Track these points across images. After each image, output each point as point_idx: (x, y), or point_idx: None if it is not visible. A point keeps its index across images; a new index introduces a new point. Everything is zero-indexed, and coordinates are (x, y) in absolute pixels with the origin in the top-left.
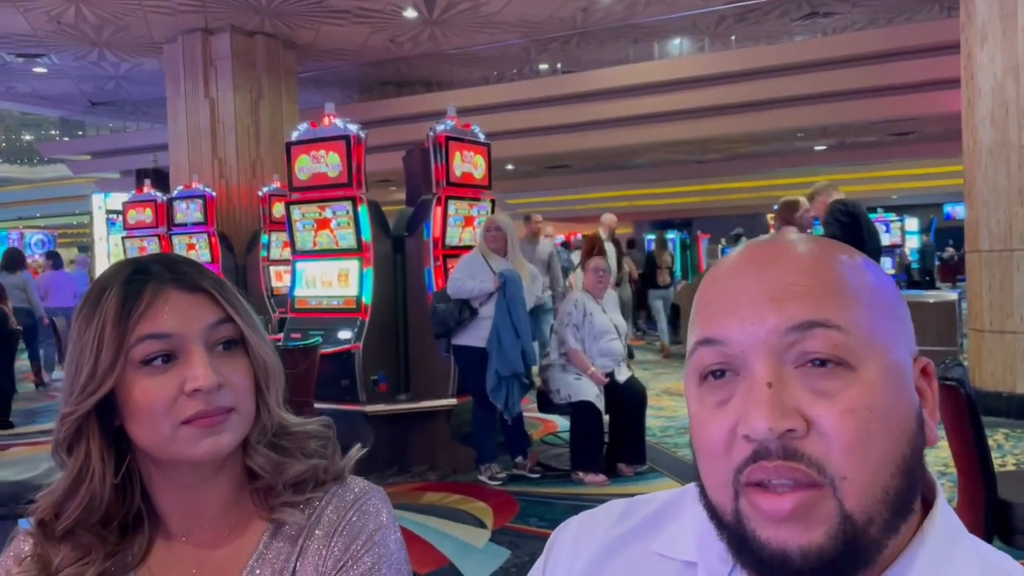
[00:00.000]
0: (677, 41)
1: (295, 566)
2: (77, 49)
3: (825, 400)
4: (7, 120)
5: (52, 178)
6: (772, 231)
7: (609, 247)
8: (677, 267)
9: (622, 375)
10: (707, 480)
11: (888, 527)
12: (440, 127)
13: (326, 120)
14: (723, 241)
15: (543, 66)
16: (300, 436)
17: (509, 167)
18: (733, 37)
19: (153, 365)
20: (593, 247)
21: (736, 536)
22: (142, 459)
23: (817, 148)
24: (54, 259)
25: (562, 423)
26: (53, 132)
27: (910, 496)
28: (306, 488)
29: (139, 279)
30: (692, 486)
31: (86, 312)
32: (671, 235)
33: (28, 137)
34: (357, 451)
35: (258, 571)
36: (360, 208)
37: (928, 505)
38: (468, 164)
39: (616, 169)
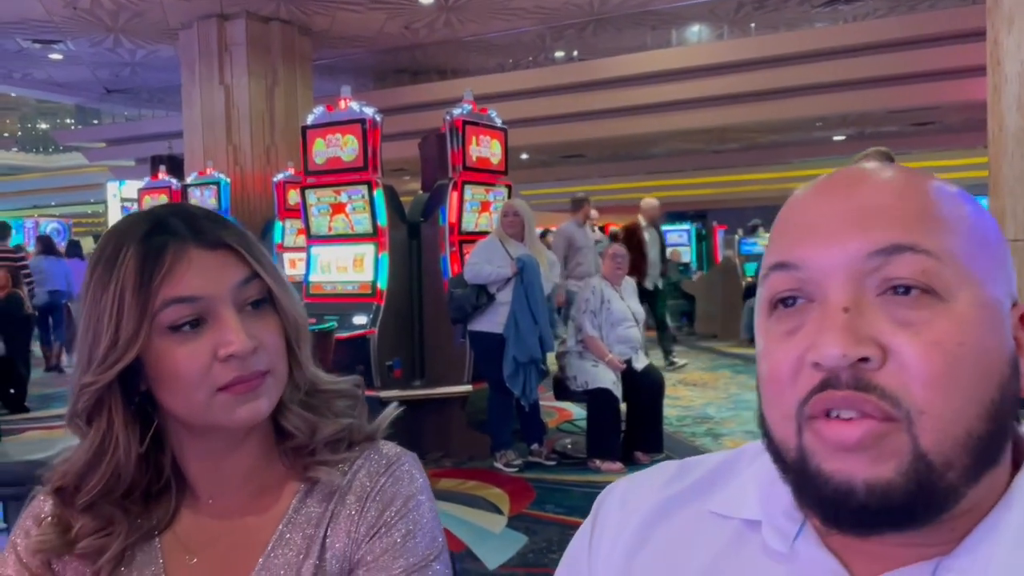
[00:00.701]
0: (695, 28)
1: (326, 531)
2: (93, 35)
3: (908, 330)
4: (23, 108)
5: (67, 166)
6: None
7: (652, 234)
8: (692, 258)
9: (640, 363)
10: (770, 414)
11: (969, 474)
12: (457, 111)
13: (342, 104)
14: (740, 232)
15: (559, 54)
16: (329, 394)
17: (524, 156)
18: (752, 24)
19: (181, 331)
20: (632, 237)
21: (799, 474)
22: (171, 425)
23: (836, 138)
24: (75, 248)
25: (577, 411)
26: (69, 120)
27: (997, 444)
28: (340, 448)
29: (158, 238)
30: (749, 445)
31: (100, 273)
32: (685, 226)
33: (44, 126)
34: (393, 410)
35: (288, 536)
36: (376, 192)
37: (1019, 463)
38: (485, 148)
39: (632, 159)
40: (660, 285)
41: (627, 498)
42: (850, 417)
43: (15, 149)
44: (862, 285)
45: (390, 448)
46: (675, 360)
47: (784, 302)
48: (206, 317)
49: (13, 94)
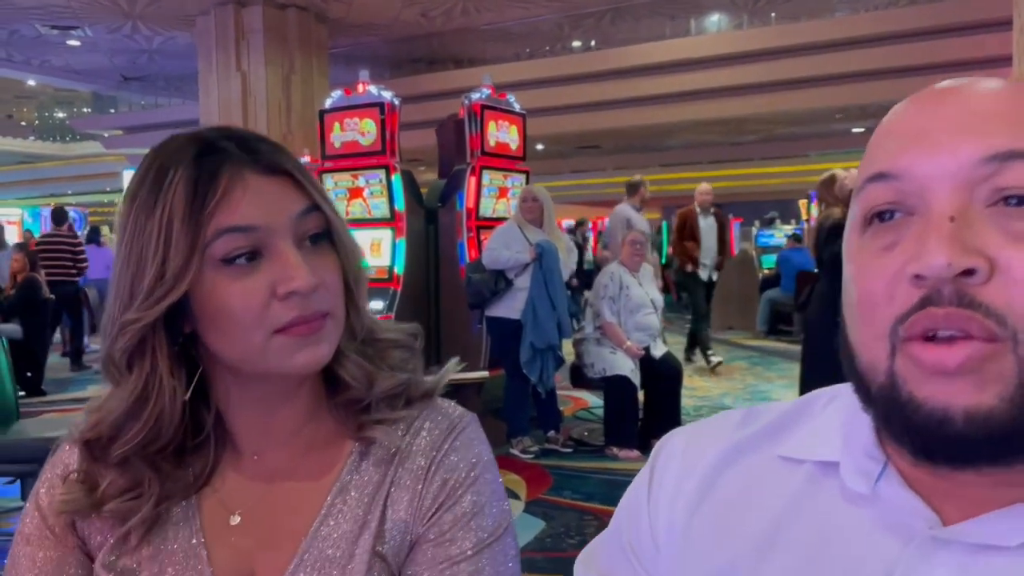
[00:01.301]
0: (715, 18)
1: (386, 501)
2: (110, 21)
3: (1019, 243)
4: (40, 97)
5: (84, 155)
6: (817, 209)
7: (708, 221)
8: None
9: (658, 350)
10: (859, 336)
11: None
12: (475, 95)
13: (360, 87)
14: (757, 224)
15: (576, 43)
16: (385, 344)
17: (539, 147)
18: (773, 14)
19: (236, 264)
20: (684, 224)
21: (887, 402)
22: (217, 371)
23: (855, 130)
24: (94, 234)
25: (593, 400)
26: (86, 109)
27: None
28: (397, 405)
29: (210, 160)
30: (821, 391)
31: (144, 197)
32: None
33: (61, 114)
34: (455, 365)
35: (342, 502)
36: (394, 177)
37: None
38: (503, 134)
39: (648, 151)
40: (715, 277)
41: (689, 446)
42: (950, 336)
43: (32, 138)
44: (970, 195)
45: (450, 407)
46: (712, 356)
47: (881, 216)
48: (262, 250)
49: (31, 82)
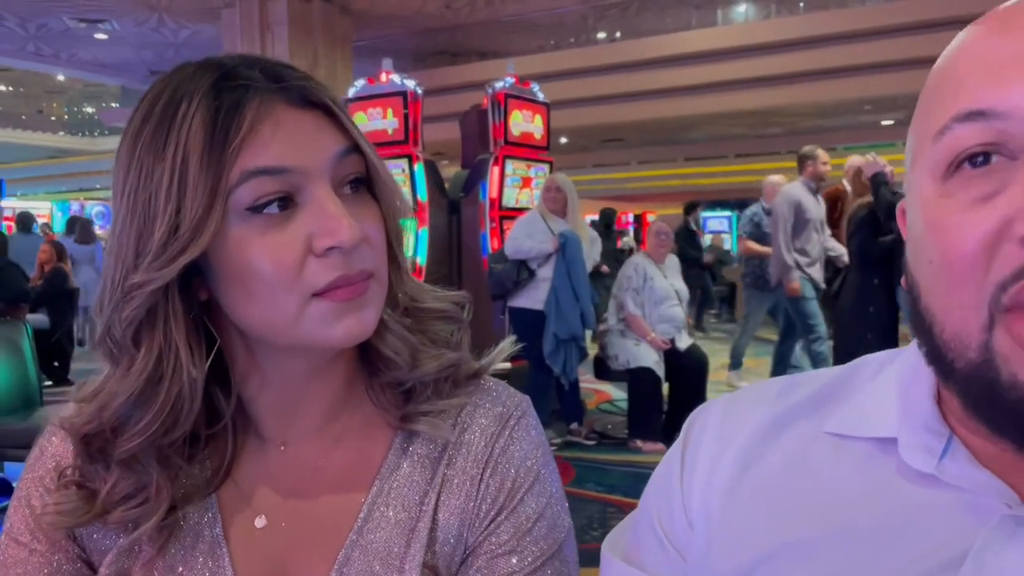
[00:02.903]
0: (742, 8)
1: (436, 506)
2: (137, 14)
3: None
4: (69, 92)
5: (112, 150)
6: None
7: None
8: (733, 246)
9: (683, 342)
10: (943, 302)
11: None
12: (499, 84)
13: (383, 76)
14: None
15: (601, 34)
16: (430, 315)
17: (563, 140)
18: (802, 3)
19: (265, 213)
20: (835, 207)
21: (982, 381)
22: (237, 345)
23: (884, 123)
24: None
25: (616, 393)
26: (114, 104)
27: None
28: (444, 389)
29: (232, 89)
30: (868, 358)
31: (151, 135)
32: (727, 213)
33: (89, 109)
34: (510, 344)
35: (386, 505)
36: (416, 166)
37: None
38: (527, 123)
39: (672, 144)
40: None
41: (726, 418)
42: None
43: (62, 132)
44: None
45: (502, 391)
46: None
47: (973, 160)
48: (296, 197)
49: (61, 77)
